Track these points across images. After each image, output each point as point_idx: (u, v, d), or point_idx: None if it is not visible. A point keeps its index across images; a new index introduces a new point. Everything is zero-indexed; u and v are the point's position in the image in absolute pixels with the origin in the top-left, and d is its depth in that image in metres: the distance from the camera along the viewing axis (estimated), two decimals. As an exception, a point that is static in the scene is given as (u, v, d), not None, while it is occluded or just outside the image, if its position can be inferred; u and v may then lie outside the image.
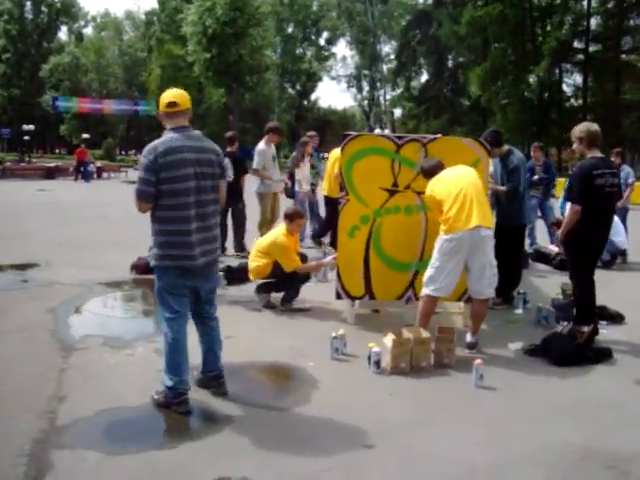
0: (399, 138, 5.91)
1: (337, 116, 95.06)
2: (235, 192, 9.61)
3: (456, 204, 5.02)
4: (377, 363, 4.73)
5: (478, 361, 4.56)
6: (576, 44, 37.15)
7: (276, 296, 6.60)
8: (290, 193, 10.56)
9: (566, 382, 4.73)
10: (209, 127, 53.30)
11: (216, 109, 50.20)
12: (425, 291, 5.24)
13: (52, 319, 5.94)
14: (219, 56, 42.34)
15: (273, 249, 6.38)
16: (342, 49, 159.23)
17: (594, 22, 37.29)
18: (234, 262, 8.01)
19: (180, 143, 3.83)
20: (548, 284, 7.96)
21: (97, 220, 13.68)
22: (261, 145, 9.51)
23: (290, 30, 63.94)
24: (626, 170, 9.78)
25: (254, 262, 6.54)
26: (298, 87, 66.94)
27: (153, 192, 3.77)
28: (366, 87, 69.61)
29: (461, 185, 5.12)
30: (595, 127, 5.55)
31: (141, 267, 8.09)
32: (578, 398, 4.41)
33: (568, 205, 8.94)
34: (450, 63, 41.06)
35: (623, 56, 35.84)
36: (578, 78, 39.75)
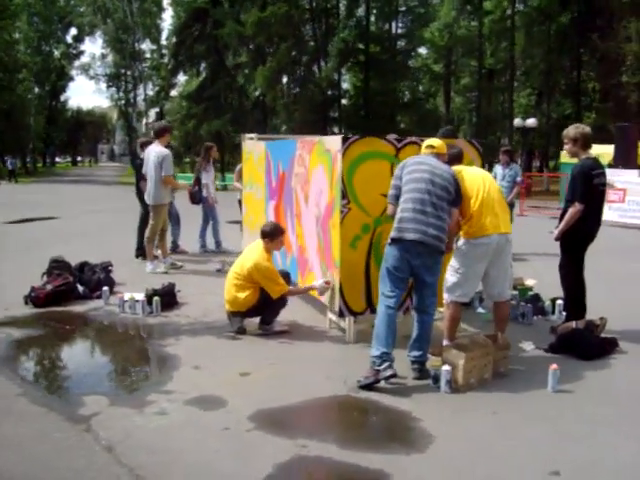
0: (398, 141, 5.60)
1: (93, 117, 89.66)
2: (140, 196, 9.39)
3: (486, 207, 4.88)
4: (449, 382, 4.44)
5: (554, 366, 4.50)
6: (358, 45, 39.17)
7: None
8: (198, 198, 10.08)
9: (620, 374, 4.88)
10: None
11: (-36, 111, 44.43)
12: (451, 298, 5.06)
13: (4, 381, 4.67)
14: (-32, 51, 37.51)
15: (256, 275, 5.67)
16: (100, 47, 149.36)
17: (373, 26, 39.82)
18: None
19: None
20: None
21: None
22: (164, 149, 8.53)
23: (39, 26, 58.98)
24: (515, 169, 10.30)
25: (239, 293, 5.73)
26: (47, 87, 62.18)
27: None
28: (126, 86, 67.00)
29: (487, 187, 4.98)
30: (588, 129, 5.73)
31: (41, 298, 6.85)
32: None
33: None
34: (230, 62, 40.75)
35: (399, 58, 38.66)
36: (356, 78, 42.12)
